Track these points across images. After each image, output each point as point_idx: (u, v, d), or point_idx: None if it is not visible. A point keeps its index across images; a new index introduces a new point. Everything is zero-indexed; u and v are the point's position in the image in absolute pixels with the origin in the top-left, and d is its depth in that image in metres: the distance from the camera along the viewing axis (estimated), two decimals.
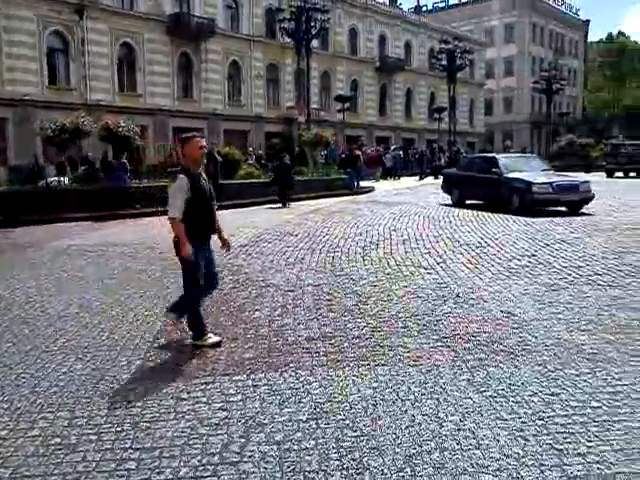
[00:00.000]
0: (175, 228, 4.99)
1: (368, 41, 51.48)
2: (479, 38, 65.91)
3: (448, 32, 55.01)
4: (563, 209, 14.50)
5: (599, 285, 7.02)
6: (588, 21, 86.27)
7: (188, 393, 4.20)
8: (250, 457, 3.29)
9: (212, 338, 5.28)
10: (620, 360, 4.61)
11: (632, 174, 31.07)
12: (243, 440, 3.49)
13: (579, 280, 7.30)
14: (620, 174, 31.74)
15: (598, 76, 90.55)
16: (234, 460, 3.27)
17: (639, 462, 3.15)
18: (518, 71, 71.65)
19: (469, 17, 70.88)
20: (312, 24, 33.17)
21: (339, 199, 21.20)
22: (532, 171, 15.51)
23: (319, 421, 3.71)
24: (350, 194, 23.55)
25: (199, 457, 3.31)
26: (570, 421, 3.62)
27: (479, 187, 16.46)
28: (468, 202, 16.91)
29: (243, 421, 3.73)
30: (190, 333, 5.39)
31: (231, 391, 4.22)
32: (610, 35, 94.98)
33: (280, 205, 18.80)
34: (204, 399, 4.10)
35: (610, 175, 31.31)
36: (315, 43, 39.83)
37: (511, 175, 15.15)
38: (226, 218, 15.40)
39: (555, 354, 4.79)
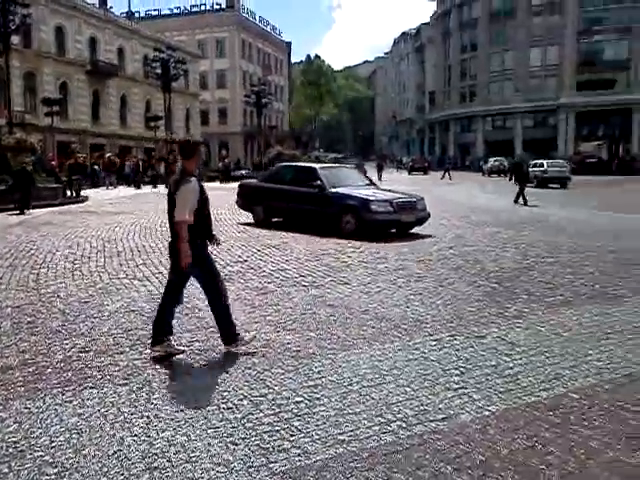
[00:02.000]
0: (183, 232, 4.79)
1: (78, 42, 48.34)
2: (193, 50, 66.77)
3: (162, 41, 54.63)
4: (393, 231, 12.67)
5: (303, 286, 7.62)
6: (290, 43, 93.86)
7: None
8: None
9: (245, 336, 5.25)
10: (319, 354, 5.04)
11: None
12: None
13: (286, 282, 7.83)
14: None
15: (301, 94, 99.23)
16: None
17: (334, 447, 3.46)
18: (230, 84, 74.48)
19: (182, 28, 71.41)
20: (11, 18, 29.88)
21: (50, 209, 19.46)
22: (356, 185, 13.58)
23: (12, 463, 3.29)
24: (63, 204, 21.79)
25: None
26: (276, 419, 3.82)
27: (294, 204, 13.42)
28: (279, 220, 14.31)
29: None
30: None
31: None
32: (309, 57, 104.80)
33: (18, 212, 17.87)
34: None
35: None
36: (16, 39, 35.96)
37: (338, 190, 12.70)
38: None
39: (264, 355, 5.03)
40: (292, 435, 3.60)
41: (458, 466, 3.26)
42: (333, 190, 12.69)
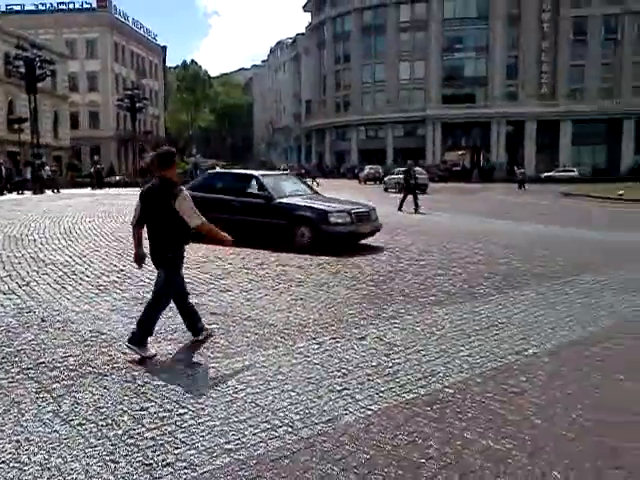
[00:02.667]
0: (210, 229, 5.33)
1: None
2: (61, 49, 63.16)
3: (25, 38, 51.18)
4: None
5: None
6: (165, 47, 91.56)
7: None
8: None
9: (149, 351, 5.14)
10: (203, 363, 4.95)
11: None
12: None
13: None
14: None
15: (177, 99, 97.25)
16: None
17: (221, 457, 3.41)
18: (102, 87, 71.37)
19: (49, 26, 67.31)
20: None
21: None
22: (303, 194, 12.60)
23: None
24: None
25: None
26: (159, 432, 3.70)
27: (234, 215, 11.69)
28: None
29: None
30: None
31: None
32: (185, 62, 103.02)
33: None
34: None
35: None
36: None
37: (288, 200, 11.70)
38: None
39: (141, 368, 4.85)
40: (177, 448, 3.51)
41: (344, 466, 3.34)
42: (282, 200, 11.65)
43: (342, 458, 3.43)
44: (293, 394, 4.34)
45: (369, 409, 4.11)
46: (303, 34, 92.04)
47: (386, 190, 35.00)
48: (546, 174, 55.70)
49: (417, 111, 68.76)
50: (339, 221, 11.17)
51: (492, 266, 9.72)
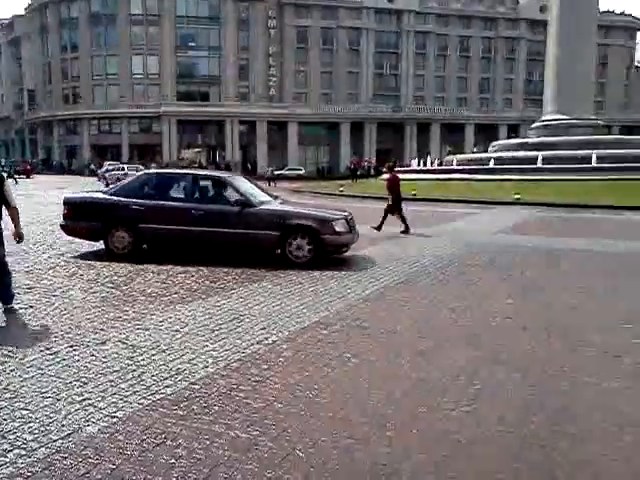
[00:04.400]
0: (17, 211, 6.62)
1: None
2: None
3: None
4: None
5: None
6: None
7: None
8: None
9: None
10: None
11: None
12: None
13: None
14: None
15: None
16: None
17: None
18: None
19: None
20: None
21: None
22: (270, 199, 10.90)
23: None
24: None
25: None
26: None
27: (194, 227, 10.05)
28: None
29: None
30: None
31: None
32: None
33: None
34: None
35: None
36: None
37: (279, 207, 10.44)
38: None
39: None
40: None
41: None
42: (268, 207, 10.28)
43: (85, 473, 3.22)
44: (25, 412, 3.94)
45: (114, 416, 3.93)
46: (22, 16, 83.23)
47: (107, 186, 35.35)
48: (277, 172, 59.16)
49: (152, 107, 67.37)
50: (342, 230, 10.11)
51: (232, 261, 9.99)
